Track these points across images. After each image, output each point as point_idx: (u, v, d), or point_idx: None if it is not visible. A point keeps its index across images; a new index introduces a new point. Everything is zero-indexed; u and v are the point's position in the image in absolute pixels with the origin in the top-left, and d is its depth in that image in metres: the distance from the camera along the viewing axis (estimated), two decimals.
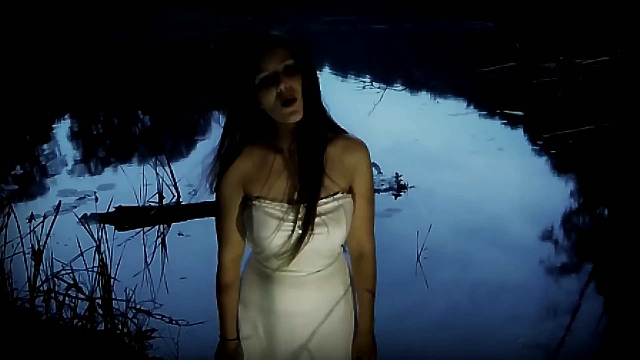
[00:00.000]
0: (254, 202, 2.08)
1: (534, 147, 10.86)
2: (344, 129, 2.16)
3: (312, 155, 2.05)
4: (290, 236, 2.04)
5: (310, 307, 2.18)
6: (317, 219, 2.04)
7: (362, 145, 2.15)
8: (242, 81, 1.99)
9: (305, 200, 2.04)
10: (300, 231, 2.03)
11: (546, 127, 11.53)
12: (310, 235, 2.03)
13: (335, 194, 2.09)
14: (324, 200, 2.06)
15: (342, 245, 2.20)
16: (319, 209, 2.05)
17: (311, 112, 2.02)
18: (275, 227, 2.04)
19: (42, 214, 5.63)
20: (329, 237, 2.06)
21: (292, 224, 2.04)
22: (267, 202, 2.07)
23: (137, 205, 7.00)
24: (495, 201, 7.78)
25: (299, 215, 2.04)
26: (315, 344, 2.20)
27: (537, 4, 43.80)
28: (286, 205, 2.06)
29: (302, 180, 2.05)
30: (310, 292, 2.16)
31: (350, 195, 2.14)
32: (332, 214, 2.07)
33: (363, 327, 2.30)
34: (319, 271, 2.15)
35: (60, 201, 5.49)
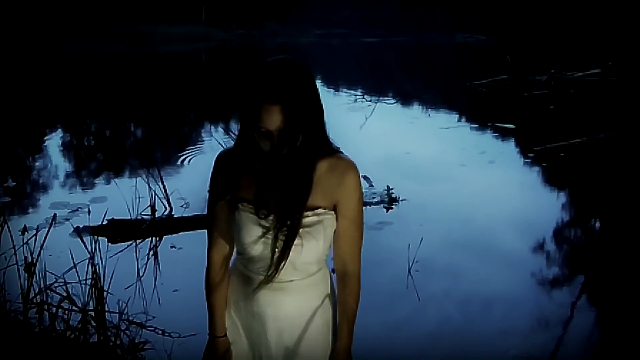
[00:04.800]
0: (239, 205, 2.13)
1: (525, 160, 10.90)
2: (339, 147, 2.18)
3: (300, 172, 2.07)
4: (269, 243, 2.10)
5: (285, 313, 2.22)
6: None
7: (351, 166, 2.17)
8: (244, 115, 2.03)
9: (288, 212, 2.07)
10: (278, 241, 2.09)
11: (537, 139, 11.58)
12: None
13: (316, 209, 2.12)
14: (304, 213, 2.10)
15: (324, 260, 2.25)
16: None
17: (308, 140, 2.04)
18: (256, 232, 2.10)
19: (35, 227, 5.62)
20: (302, 250, 2.10)
21: (272, 232, 2.09)
22: (251, 206, 2.12)
23: (129, 218, 7.00)
24: (487, 214, 7.80)
25: (280, 225, 2.08)
26: (289, 350, 2.25)
27: (528, 17, 44.04)
28: (268, 213, 2.10)
29: (287, 193, 2.08)
30: (285, 298, 2.20)
31: (333, 212, 2.16)
32: (309, 227, 2.10)
33: (341, 344, 2.31)
34: (295, 280, 2.19)
35: (55, 214, 5.49)
